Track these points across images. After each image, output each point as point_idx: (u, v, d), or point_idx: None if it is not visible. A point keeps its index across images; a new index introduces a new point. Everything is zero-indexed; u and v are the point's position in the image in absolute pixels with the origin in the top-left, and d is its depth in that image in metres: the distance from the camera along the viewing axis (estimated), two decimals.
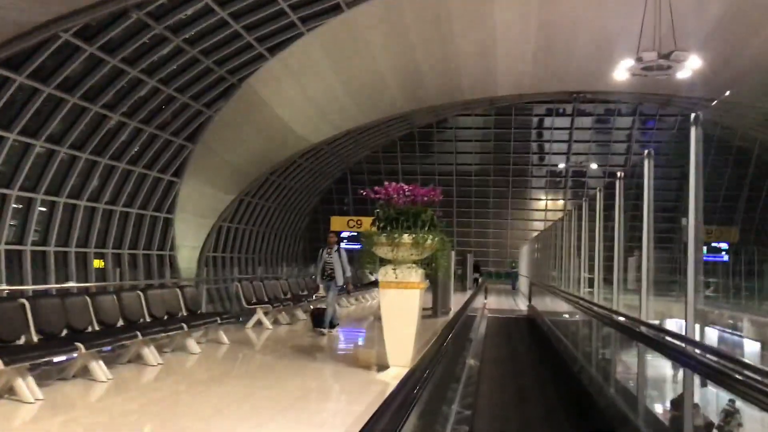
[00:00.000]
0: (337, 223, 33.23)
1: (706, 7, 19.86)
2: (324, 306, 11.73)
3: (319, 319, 11.46)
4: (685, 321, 5.10)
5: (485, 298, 17.72)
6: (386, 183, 7.28)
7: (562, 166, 38.59)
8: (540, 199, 42.26)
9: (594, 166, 37.16)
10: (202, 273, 28.29)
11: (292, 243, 39.58)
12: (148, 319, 8.57)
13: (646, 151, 6.67)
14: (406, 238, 6.92)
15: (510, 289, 32.93)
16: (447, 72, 27.96)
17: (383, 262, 7.28)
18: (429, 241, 7.00)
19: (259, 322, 11.97)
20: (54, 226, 19.22)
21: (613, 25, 22.14)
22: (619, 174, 8.25)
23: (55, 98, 16.73)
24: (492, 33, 24.48)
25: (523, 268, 26.37)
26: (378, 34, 22.55)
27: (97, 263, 22.24)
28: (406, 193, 7.04)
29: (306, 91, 25.10)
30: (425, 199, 7.26)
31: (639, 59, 16.43)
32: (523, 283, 28.12)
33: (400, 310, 7.12)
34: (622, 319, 7.02)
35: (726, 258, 22.39)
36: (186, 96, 20.77)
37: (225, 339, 10.01)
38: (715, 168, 30.65)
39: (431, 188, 7.33)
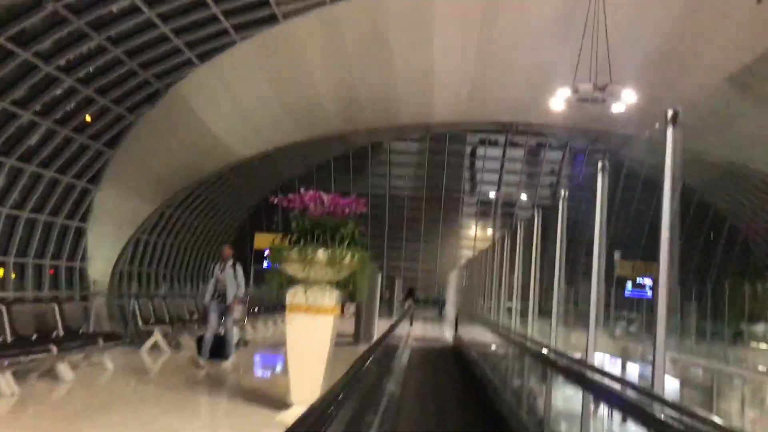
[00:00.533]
0: (262, 240, 31.86)
1: (641, 44, 20.24)
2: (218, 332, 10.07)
3: (201, 346, 9.74)
4: (586, 347, 5.33)
5: (411, 324, 17.09)
6: (302, 190, 6.55)
7: (492, 195, 38.83)
8: (470, 228, 42.39)
9: (523, 197, 37.55)
10: (115, 287, 26.72)
11: (215, 259, 38.10)
12: (9, 338, 7.47)
13: (562, 191, 7.06)
14: (321, 254, 6.04)
15: (436, 315, 32.62)
16: (384, 95, 27.63)
17: (293, 282, 6.30)
18: (348, 259, 6.15)
19: (156, 345, 10.66)
20: None
21: (550, 57, 22.31)
22: (536, 208, 8.78)
23: None
24: (430, 59, 24.32)
25: (451, 295, 26.07)
26: (315, 50, 21.99)
27: None
28: (324, 203, 6.34)
29: (238, 103, 24.21)
30: (346, 210, 6.51)
31: (575, 90, 16.45)
32: (449, 311, 27.85)
33: (309, 339, 6.20)
34: (529, 345, 7.16)
35: (650, 294, 22.66)
36: (107, 99, 19.58)
37: (109, 364, 8.84)
38: (642, 202, 31.25)
39: (353, 198, 6.67)
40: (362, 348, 11.24)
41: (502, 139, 37.80)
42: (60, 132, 19.28)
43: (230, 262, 10.27)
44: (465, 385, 11.24)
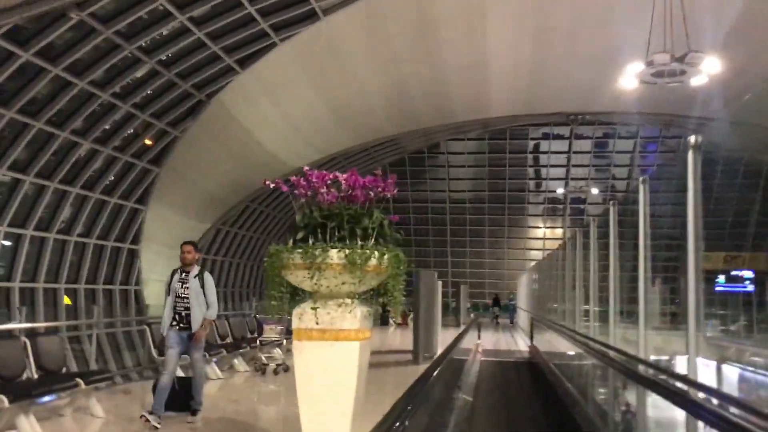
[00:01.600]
0: None
1: (722, 10, 18.05)
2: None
3: (160, 397, 6.79)
4: (688, 357, 4.63)
5: (479, 336, 15.42)
6: (306, 169, 5.00)
7: (560, 191, 36.67)
8: (538, 227, 40.25)
9: (594, 191, 35.24)
10: None
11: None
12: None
13: (641, 178, 6.36)
14: (335, 255, 4.34)
15: (508, 323, 30.64)
16: (437, 91, 26.14)
17: (299, 295, 4.63)
18: (374, 261, 4.43)
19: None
20: None
21: (617, 35, 20.28)
22: (611, 202, 7.99)
23: None
24: (484, 50, 22.69)
25: (522, 300, 24.19)
26: (359, 47, 20.71)
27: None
28: (341, 185, 4.74)
29: (284, 110, 23.17)
30: (370, 194, 4.92)
31: (650, 63, 14.53)
32: (522, 317, 25.87)
33: (325, 377, 4.45)
34: (614, 354, 6.38)
35: (751, 288, 20.31)
36: (146, 113, 18.78)
37: (99, 410, 7.06)
38: (742, 188, 28.63)
39: (377, 177, 5.13)
40: (423, 367, 9.75)
41: (566, 131, 35.63)
42: (101, 151, 18.57)
43: (195, 271, 7.35)
44: (547, 415, 9.52)
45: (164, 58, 17.23)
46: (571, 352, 9.54)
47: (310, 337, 4.47)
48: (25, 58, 13.99)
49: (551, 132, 36.46)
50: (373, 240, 4.66)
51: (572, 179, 37.00)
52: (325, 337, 4.43)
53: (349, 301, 4.52)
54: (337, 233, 4.50)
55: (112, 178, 20.25)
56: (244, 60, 19.03)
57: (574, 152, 36.62)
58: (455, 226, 39.93)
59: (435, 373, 5.64)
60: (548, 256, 18.85)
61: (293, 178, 4.76)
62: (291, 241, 4.52)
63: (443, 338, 13.60)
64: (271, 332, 9.83)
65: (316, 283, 4.38)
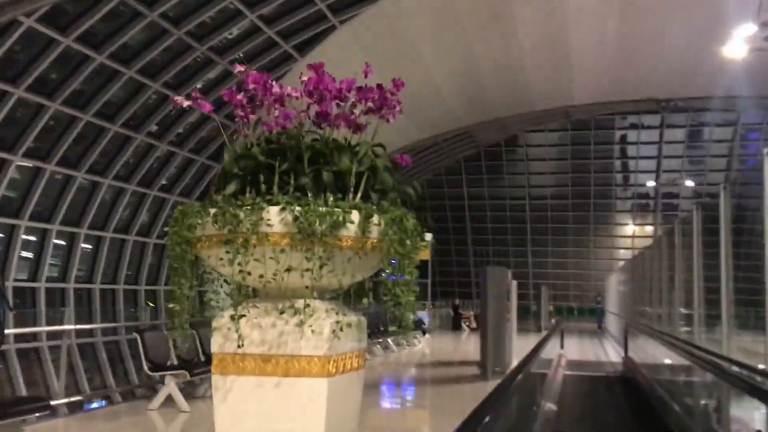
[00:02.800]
0: None
1: None
2: None
3: None
4: None
5: (561, 345, 13.44)
6: (239, 69, 3.03)
7: (650, 185, 33.83)
8: (626, 224, 37.39)
9: (689, 183, 32.24)
10: None
11: None
12: None
13: (766, 150, 5.20)
14: (276, 217, 2.54)
15: (595, 328, 28.22)
16: (511, 77, 24.27)
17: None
18: (351, 229, 2.57)
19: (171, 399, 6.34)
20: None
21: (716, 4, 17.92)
22: (723, 190, 6.78)
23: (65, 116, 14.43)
24: (563, 28, 20.69)
25: (612, 303, 21.90)
26: (425, 28, 19.18)
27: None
28: (299, 93, 2.81)
29: None
30: (354, 111, 2.96)
31: (765, 23, 12.30)
32: (611, 322, 23.52)
33: None
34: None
35: None
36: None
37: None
38: None
39: (376, 87, 3.16)
40: (492, 384, 8.11)
41: (656, 120, 32.80)
42: (157, 146, 17.82)
43: None
44: None
45: (216, 44, 16.23)
46: (687, 371, 7.67)
47: (240, 369, 2.58)
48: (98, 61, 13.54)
49: (640, 121, 33.68)
50: (359, 195, 2.76)
51: (664, 171, 34.08)
52: (266, 371, 2.54)
53: (314, 303, 2.59)
54: (293, 181, 2.67)
55: (173, 173, 19.59)
56: (302, 46, 17.84)
57: (666, 142, 33.69)
58: (536, 224, 37.65)
59: (503, 396, 4.09)
60: (643, 252, 16.69)
61: (223, 91, 3.18)
62: (216, 199, 2.78)
63: (520, 347, 11.87)
64: None
65: (241, 270, 2.52)
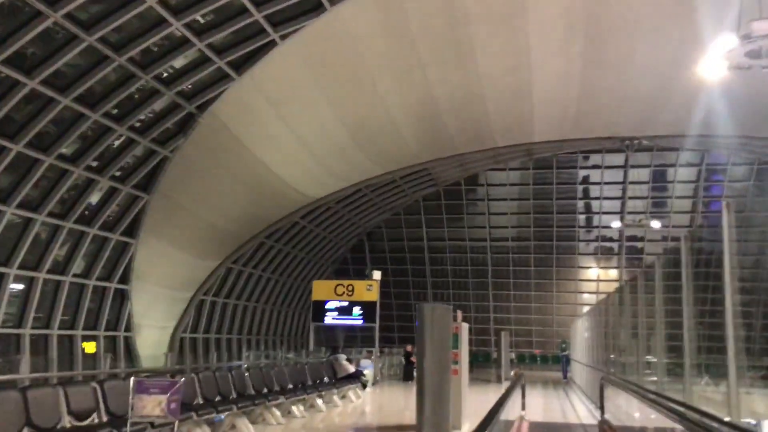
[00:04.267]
0: (321, 289, 25.96)
1: None
2: None
3: None
4: None
5: (522, 405, 11.21)
6: None
7: (615, 225, 32.63)
8: (590, 267, 36.06)
9: (656, 224, 31.11)
10: (173, 360, 22.84)
11: (298, 320, 33.95)
12: None
13: (724, 203, 5.64)
14: None
15: (560, 378, 26.41)
16: (471, 109, 22.89)
17: None
18: None
19: None
20: None
21: (691, 21, 16.74)
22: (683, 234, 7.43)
23: None
24: (525, 54, 19.40)
25: (579, 351, 20.18)
26: (378, 50, 17.69)
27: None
28: None
29: (293, 128, 20.17)
30: None
31: (746, 36, 10.98)
32: (577, 373, 21.73)
33: None
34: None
35: None
36: (124, 127, 15.94)
37: None
38: None
39: None
40: None
41: (621, 159, 31.81)
42: (71, 172, 15.71)
43: None
44: None
45: (137, 57, 14.40)
46: None
47: None
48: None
49: (603, 161, 32.64)
50: None
51: (629, 213, 32.95)
52: None
53: None
54: None
55: (91, 204, 17.45)
56: (238, 63, 16.14)
57: (631, 182, 32.67)
58: (497, 267, 36.09)
59: None
60: (612, 296, 15.05)
61: None
62: None
63: (477, 403, 10.00)
64: None
65: None
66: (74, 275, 17.74)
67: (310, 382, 12.79)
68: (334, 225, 30.96)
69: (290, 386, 12.13)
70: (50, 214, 15.97)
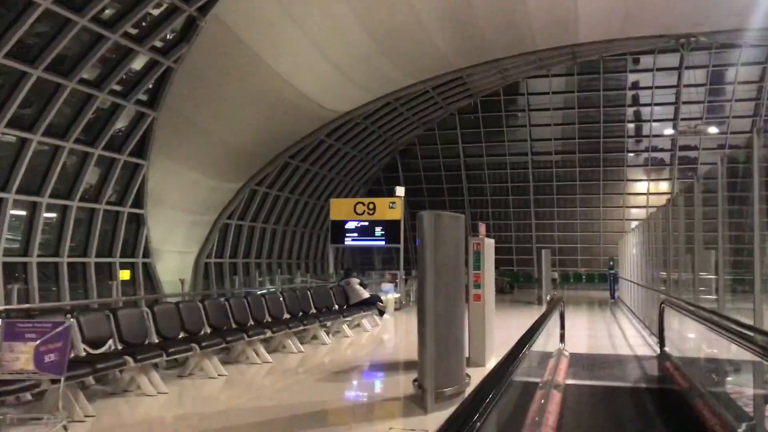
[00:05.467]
0: (338, 207, 22.15)
1: None
2: None
3: None
4: None
5: (561, 335, 9.47)
6: None
7: (669, 132, 30.12)
8: (639, 180, 33.78)
9: (713, 129, 28.53)
10: (198, 286, 22.04)
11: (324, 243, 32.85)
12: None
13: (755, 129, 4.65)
14: None
15: (607, 298, 24.84)
16: (508, 9, 20.57)
17: None
18: None
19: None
20: None
21: None
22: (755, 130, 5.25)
23: None
24: None
25: (631, 269, 18.40)
26: None
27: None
28: None
29: (307, 32, 18.27)
30: None
31: None
32: (627, 293, 20.07)
33: None
34: None
35: None
36: (118, 33, 14.34)
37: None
38: None
39: None
40: (433, 420, 4.73)
41: (675, 60, 28.99)
42: (65, 86, 14.30)
43: None
44: None
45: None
46: None
47: None
48: None
49: (655, 63, 29.84)
50: None
51: (682, 119, 30.32)
52: None
53: None
54: None
55: (93, 123, 16.13)
56: None
57: (685, 86, 29.88)
58: (540, 183, 34.13)
59: None
60: (675, 199, 13.13)
61: None
62: None
63: (513, 327, 8.50)
64: None
65: None
66: (82, 199, 16.64)
67: (314, 311, 11.45)
68: (364, 143, 29.29)
69: (286, 316, 10.85)
70: (46, 134, 14.69)
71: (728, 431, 4.52)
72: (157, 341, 8.33)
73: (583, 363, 9.09)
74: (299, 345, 10.48)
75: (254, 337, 9.49)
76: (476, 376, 5.64)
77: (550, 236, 34.52)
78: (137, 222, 18.94)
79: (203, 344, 8.51)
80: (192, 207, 21.31)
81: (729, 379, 5.61)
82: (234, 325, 9.67)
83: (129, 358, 7.16)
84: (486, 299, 7.82)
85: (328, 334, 11.44)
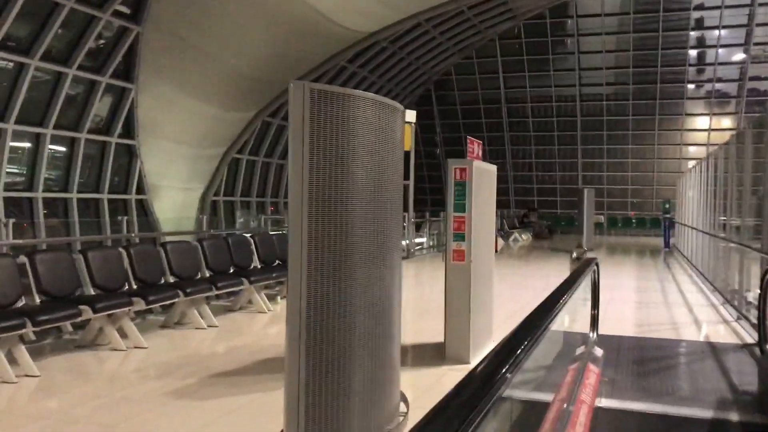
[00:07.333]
0: None
1: None
2: None
3: None
4: None
5: (594, 309, 5.67)
6: None
7: (739, 57, 26.56)
8: (701, 114, 30.33)
9: None
10: (202, 226, 20.14)
11: None
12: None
13: None
14: None
15: (659, 246, 22.09)
16: None
17: None
18: None
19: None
20: None
21: None
22: None
23: None
24: None
25: (692, 212, 15.59)
26: None
27: None
28: None
29: None
30: None
31: None
32: (687, 242, 17.30)
33: None
34: None
35: None
36: None
37: None
38: None
39: None
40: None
41: None
42: None
43: None
44: None
45: None
46: None
47: None
48: None
49: None
50: None
51: (755, 44, 26.65)
52: None
53: None
54: None
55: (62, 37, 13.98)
56: None
57: (761, 4, 26.11)
58: (588, 117, 31.00)
59: None
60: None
61: None
62: None
63: (533, 288, 6.18)
64: None
65: None
66: (57, 127, 14.66)
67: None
68: (392, 71, 26.57)
69: (256, 265, 9.21)
70: (6, 48, 12.62)
71: None
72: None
73: (626, 358, 6.14)
74: (268, 303, 8.85)
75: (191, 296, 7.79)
76: (445, 385, 3.40)
77: (598, 176, 31.58)
78: (129, 154, 16.99)
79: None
80: (193, 139, 19.23)
81: None
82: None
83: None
84: (479, 257, 5.36)
85: None
